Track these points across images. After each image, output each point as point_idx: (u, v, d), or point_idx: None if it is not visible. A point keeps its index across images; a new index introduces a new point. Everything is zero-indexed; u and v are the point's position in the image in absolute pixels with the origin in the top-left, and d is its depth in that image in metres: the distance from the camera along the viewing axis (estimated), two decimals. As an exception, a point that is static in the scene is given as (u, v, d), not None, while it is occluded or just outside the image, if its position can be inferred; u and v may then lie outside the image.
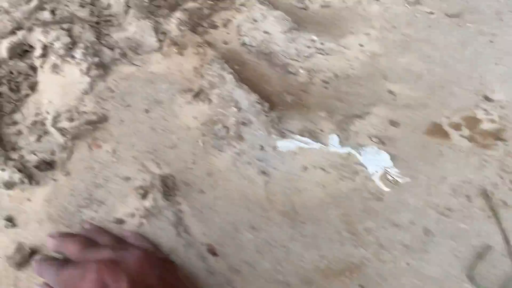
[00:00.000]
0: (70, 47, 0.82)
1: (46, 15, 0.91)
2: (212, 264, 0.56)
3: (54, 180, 0.64)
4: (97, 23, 0.90)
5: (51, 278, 0.49)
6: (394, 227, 0.62)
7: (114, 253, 0.46)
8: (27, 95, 0.79)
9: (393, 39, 0.97)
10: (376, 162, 0.69)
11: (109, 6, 0.95)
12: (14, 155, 0.67)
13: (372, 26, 1.01)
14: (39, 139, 0.70)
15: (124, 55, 0.87)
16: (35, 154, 0.67)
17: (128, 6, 0.92)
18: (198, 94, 0.80)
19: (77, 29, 0.86)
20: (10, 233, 0.58)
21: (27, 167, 0.65)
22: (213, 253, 0.57)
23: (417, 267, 0.58)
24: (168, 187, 0.64)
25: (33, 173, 0.65)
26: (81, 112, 0.75)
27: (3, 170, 0.63)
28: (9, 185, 0.62)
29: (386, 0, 1.09)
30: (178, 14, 0.91)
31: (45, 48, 0.83)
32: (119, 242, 0.53)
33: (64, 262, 0.50)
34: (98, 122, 0.74)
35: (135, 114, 0.76)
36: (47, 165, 0.65)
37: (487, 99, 0.83)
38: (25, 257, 0.54)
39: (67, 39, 0.83)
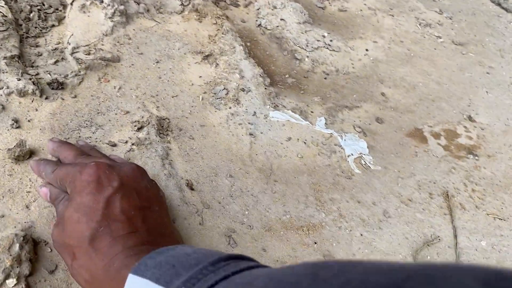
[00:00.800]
0: (101, -8, 0.89)
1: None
2: (187, 196, 0.62)
3: (62, 99, 0.70)
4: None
5: (48, 173, 0.51)
6: (357, 203, 0.68)
7: (109, 161, 0.49)
8: (53, 26, 0.85)
9: (397, 51, 1.03)
10: (354, 147, 0.75)
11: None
12: (31, 71, 0.73)
13: (381, 36, 1.07)
14: (56, 62, 0.76)
15: (147, 10, 0.93)
16: (50, 74, 0.73)
17: (161, -32, 0.99)
18: (207, 57, 0.86)
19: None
20: (14, 132, 0.64)
21: (40, 83, 0.71)
22: (191, 187, 0.63)
23: (369, 239, 0.64)
24: (163, 127, 0.70)
25: (44, 89, 0.71)
26: (98, 49, 0.81)
27: (18, 79, 0.69)
28: (22, 93, 0.68)
29: (400, 17, 1.16)
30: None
31: (78, -12, 0.89)
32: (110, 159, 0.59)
33: (60, 162, 0.55)
34: (111, 60, 0.80)
35: (146, 62, 0.82)
36: (59, 84, 0.71)
37: (470, 119, 0.90)
38: (24, 153, 0.60)
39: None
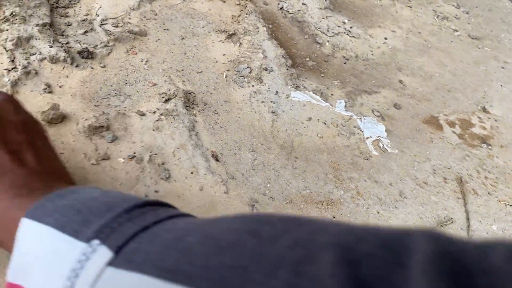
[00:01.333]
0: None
1: None
2: (212, 165, 0.64)
3: (92, 68, 0.72)
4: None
5: None
6: (374, 183, 0.70)
7: None
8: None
9: (415, 41, 1.05)
10: (372, 130, 0.77)
11: None
12: (62, 40, 0.75)
13: (400, 26, 1.09)
14: (85, 33, 0.78)
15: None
16: (79, 43, 0.75)
17: None
18: (231, 36, 0.88)
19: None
20: (47, 97, 0.66)
21: (71, 51, 0.73)
22: (216, 158, 0.65)
23: (385, 217, 0.66)
24: (189, 100, 0.72)
25: (75, 57, 0.72)
26: (126, 23, 0.83)
27: (51, 46, 0.70)
28: (54, 59, 0.70)
29: (418, 9, 1.17)
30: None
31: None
32: None
33: None
34: (139, 34, 0.81)
35: (172, 37, 0.84)
36: (89, 54, 0.73)
37: (485, 110, 0.91)
38: (57, 116, 0.62)
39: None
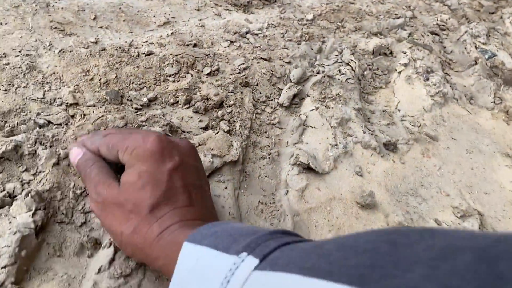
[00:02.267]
0: (428, 71, 0.95)
1: (405, 34, 1.06)
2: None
3: (393, 161, 0.77)
4: (447, 62, 1.03)
5: (96, 139, 0.50)
6: None
7: (166, 136, 0.46)
8: (380, 87, 0.94)
9: None
10: None
11: (452, 52, 1.07)
12: (370, 127, 0.81)
13: None
14: (388, 125, 0.84)
15: (460, 98, 0.97)
16: (383, 134, 0.81)
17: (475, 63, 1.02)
18: (520, 164, 0.86)
19: (434, 57, 0.99)
20: (358, 180, 0.72)
21: (379, 141, 0.79)
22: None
23: None
24: (482, 223, 0.72)
25: (381, 147, 0.78)
26: (423, 124, 0.87)
27: (364, 132, 0.77)
28: (366, 145, 0.76)
29: None
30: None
31: (408, 60, 0.97)
32: None
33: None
34: (432, 138, 0.85)
35: (459, 149, 0.85)
36: (392, 146, 0.78)
37: None
38: (371, 203, 0.67)
39: (428, 63, 0.96)
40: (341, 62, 0.88)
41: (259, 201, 0.63)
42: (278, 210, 0.63)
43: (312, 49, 0.93)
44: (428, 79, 0.93)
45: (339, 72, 0.84)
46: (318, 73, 0.84)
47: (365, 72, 0.93)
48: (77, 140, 0.54)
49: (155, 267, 0.39)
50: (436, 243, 0.22)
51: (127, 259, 0.50)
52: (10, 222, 0.49)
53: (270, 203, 0.64)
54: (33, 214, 0.49)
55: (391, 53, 1.01)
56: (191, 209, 0.42)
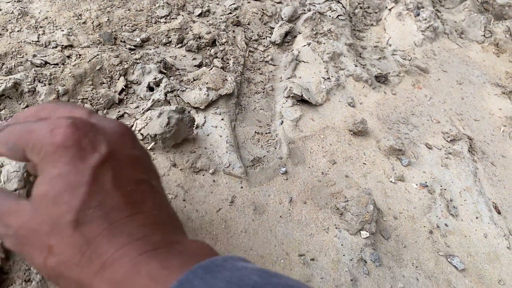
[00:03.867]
0: (419, 7, 0.96)
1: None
2: (495, 217, 0.65)
3: (384, 93, 0.79)
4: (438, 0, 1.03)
5: None
6: None
7: (90, 115, 0.33)
8: (371, 25, 0.95)
9: None
10: None
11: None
12: (361, 61, 0.83)
13: None
14: (379, 59, 0.85)
15: (450, 33, 0.98)
16: (375, 68, 0.82)
17: (476, -3, 1.03)
18: (509, 93, 0.88)
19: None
20: (350, 110, 0.74)
21: (370, 73, 0.80)
22: (498, 211, 0.66)
23: None
24: (471, 146, 0.75)
25: (372, 79, 0.80)
26: (413, 58, 0.88)
27: (356, 66, 0.79)
28: (358, 78, 0.78)
29: None
30: (508, 23, 0.99)
31: (398, -3, 0.98)
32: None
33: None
34: (423, 70, 0.86)
35: (449, 80, 0.87)
36: (385, 79, 0.80)
37: None
38: (363, 130, 0.69)
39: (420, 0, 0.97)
40: (331, 0, 0.88)
41: (255, 132, 0.65)
42: (274, 139, 0.65)
43: (302, -12, 0.93)
44: (418, 14, 0.94)
45: (330, 9, 0.85)
46: (309, 10, 0.84)
47: (356, 10, 0.94)
48: None
49: None
50: None
51: (131, 183, 0.52)
52: (16, 153, 0.51)
53: (266, 133, 0.66)
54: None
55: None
56: (138, 218, 0.29)
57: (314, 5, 0.88)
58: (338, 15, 0.84)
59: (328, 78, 0.73)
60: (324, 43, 0.78)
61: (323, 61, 0.75)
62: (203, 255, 0.28)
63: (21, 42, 0.65)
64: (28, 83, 0.58)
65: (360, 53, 0.83)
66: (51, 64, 0.63)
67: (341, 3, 0.89)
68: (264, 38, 0.80)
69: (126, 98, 0.64)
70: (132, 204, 0.29)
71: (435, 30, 0.92)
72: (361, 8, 0.94)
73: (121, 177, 0.30)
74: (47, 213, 0.28)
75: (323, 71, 0.74)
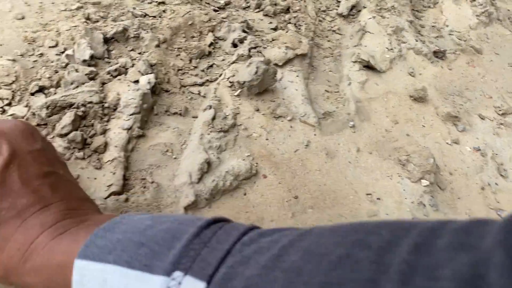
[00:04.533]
0: (476, -8, 1.01)
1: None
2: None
3: (442, 67, 0.85)
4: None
5: None
6: None
7: None
8: (429, 7, 1.00)
9: None
10: None
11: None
12: (421, 38, 0.89)
13: None
14: (436, 37, 0.91)
15: (503, 20, 1.02)
16: (433, 44, 0.88)
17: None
18: (559, 78, 0.92)
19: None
20: (410, 79, 0.80)
21: (429, 49, 0.87)
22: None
23: None
24: (521, 120, 0.80)
25: (431, 55, 0.86)
26: (468, 39, 0.94)
27: (416, 40, 0.85)
28: (418, 51, 0.84)
29: None
30: None
31: (456, -18, 1.03)
32: None
33: None
34: (477, 51, 0.92)
35: (502, 62, 0.92)
36: (441, 54, 0.86)
37: None
38: (422, 96, 0.76)
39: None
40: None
41: (325, 90, 0.72)
42: (342, 97, 0.72)
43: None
44: (474, 0, 0.99)
45: (393, -13, 0.91)
46: (372, -12, 0.91)
47: None
48: None
49: None
50: (418, 241, 0.19)
51: (225, 119, 0.60)
52: (128, 85, 0.59)
53: (335, 91, 0.73)
54: (147, 78, 0.59)
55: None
56: (49, 210, 0.31)
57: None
58: (400, -6, 0.90)
59: (391, 49, 0.80)
60: (387, 18, 0.84)
61: (387, 34, 0.81)
62: (107, 221, 0.30)
63: (122, -4, 0.74)
64: (134, 30, 0.66)
65: (419, 31, 0.89)
66: (150, 16, 0.71)
67: (402, -16, 0.94)
68: (331, 10, 0.86)
69: (213, 51, 0.71)
70: (42, 197, 0.31)
71: (490, 16, 0.97)
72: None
73: (27, 174, 0.31)
74: None
75: (386, 42, 0.80)
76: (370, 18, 0.82)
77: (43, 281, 0.28)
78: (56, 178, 0.34)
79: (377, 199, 0.59)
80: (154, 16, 0.70)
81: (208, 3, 0.78)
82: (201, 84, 0.65)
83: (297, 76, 0.70)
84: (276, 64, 0.70)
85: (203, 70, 0.67)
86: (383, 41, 0.81)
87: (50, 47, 0.62)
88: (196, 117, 0.61)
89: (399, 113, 0.72)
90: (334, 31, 0.83)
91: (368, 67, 0.76)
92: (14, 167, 0.31)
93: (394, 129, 0.69)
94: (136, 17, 0.70)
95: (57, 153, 0.38)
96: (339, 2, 0.87)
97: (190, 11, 0.72)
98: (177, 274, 0.23)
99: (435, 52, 0.84)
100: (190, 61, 0.68)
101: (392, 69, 0.78)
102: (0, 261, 0.29)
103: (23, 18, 0.65)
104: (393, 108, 0.72)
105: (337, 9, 0.86)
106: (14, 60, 0.56)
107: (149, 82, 0.58)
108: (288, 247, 0.22)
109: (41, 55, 0.60)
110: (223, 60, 0.70)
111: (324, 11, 0.85)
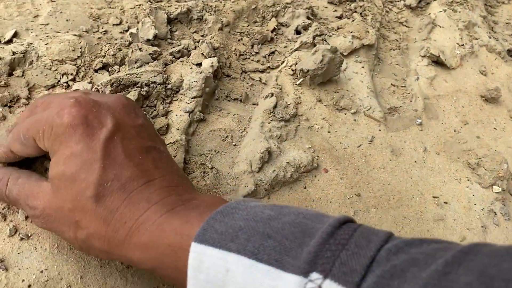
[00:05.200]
0: (557, -12, 0.93)
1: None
2: None
3: (516, 67, 0.79)
4: None
5: (2, 135, 0.38)
6: None
7: (88, 94, 0.34)
8: (503, 2, 0.94)
9: None
10: None
11: None
12: (494, 35, 0.83)
13: None
14: (511, 35, 0.85)
15: None
16: (507, 42, 0.82)
17: None
18: None
19: None
20: (482, 78, 0.75)
21: (503, 48, 0.81)
22: None
23: None
24: None
25: (505, 54, 0.80)
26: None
27: (489, 37, 0.79)
28: (491, 49, 0.78)
29: None
30: None
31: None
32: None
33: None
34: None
35: None
36: (517, 54, 0.80)
37: None
38: (495, 96, 0.70)
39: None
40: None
41: (391, 84, 0.69)
42: (409, 93, 0.68)
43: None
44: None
45: (467, -20, 0.85)
46: (445, -21, 0.85)
47: None
48: None
49: (138, 266, 0.30)
50: None
51: (286, 108, 0.58)
52: (191, 68, 0.58)
53: (401, 86, 0.69)
54: (210, 61, 0.57)
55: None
56: (153, 184, 0.31)
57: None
58: (474, -13, 0.84)
59: (463, 45, 0.75)
60: (459, 11, 0.79)
61: (458, 29, 0.76)
62: (217, 204, 0.29)
63: (185, -23, 0.72)
64: (197, 11, 0.65)
65: (492, 27, 0.83)
66: (213, -1, 0.69)
67: (476, -24, 0.89)
68: (398, 1, 0.82)
69: (276, 37, 0.69)
70: (146, 171, 0.31)
71: None
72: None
73: (130, 147, 0.31)
74: (68, 191, 0.29)
75: (457, 37, 0.75)
76: (440, 11, 0.77)
77: (150, 259, 0.28)
78: (158, 153, 0.33)
79: (444, 203, 0.56)
80: (217, -1, 0.69)
81: (272, -12, 0.75)
82: (262, 71, 0.63)
83: (363, 67, 0.67)
84: (341, 54, 0.67)
85: (264, 56, 0.65)
86: (454, 36, 0.76)
87: (114, 24, 0.61)
88: (257, 104, 0.58)
89: (469, 113, 0.67)
90: (401, 23, 0.78)
91: (437, 62, 0.71)
92: (118, 139, 0.31)
93: (463, 130, 0.65)
94: (201, -2, 0.68)
95: (156, 130, 0.38)
96: (408, -8, 0.82)
97: (254, -6, 0.70)
98: (315, 276, 0.21)
99: (509, 51, 0.79)
100: (252, 46, 0.65)
101: (463, 66, 0.73)
102: (105, 234, 0.29)
103: (89, -6, 0.65)
104: (463, 108, 0.68)
105: (404, 0, 0.81)
106: (80, 36, 0.56)
107: (211, 66, 0.56)
108: (455, 265, 0.20)
109: (105, 32, 0.60)
110: (285, 47, 0.68)
111: (391, 1, 0.81)
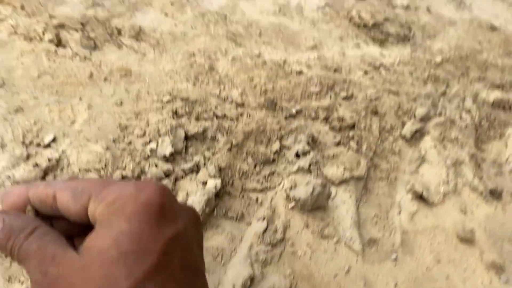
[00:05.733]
0: (545, 132, 1.01)
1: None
2: None
3: (495, 208, 0.86)
4: None
5: (59, 182, 0.31)
6: None
7: (170, 190, 0.33)
8: (494, 138, 1.02)
9: None
10: None
11: None
12: (479, 173, 0.91)
13: None
14: (496, 174, 0.92)
15: None
16: (490, 182, 0.90)
17: None
18: None
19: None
20: (461, 217, 0.82)
21: (486, 187, 0.88)
22: None
23: None
24: None
25: (487, 193, 0.87)
26: (529, 180, 0.94)
27: (474, 176, 0.87)
28: (473, 188, 0.86)
29: None
30: None
31: (526, 118, 1.04)
32: None
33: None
34: (537, 195, 0.92)
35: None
36: (497, 194, 0.87)
37: None
38: (470, 239, 0.77)
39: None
40: (462, 108, 0.97)
41: (375, 214, 0.76)
42: (390, 225, 0.75)
43: (437, 91, 1.03)
44: (543, 140, 1.00)
45: (460, 118, 0.94)
46: (440, 114, 0.95)
47: (483, 122, 1.02)
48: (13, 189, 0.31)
49: None
50: None
51: (275, 233, 0.66)
52: (197, 185, 0.67)
53: (384, 217, 0.76)
54: (214, 182, 0.67)
55: (510, 108, 1.09)
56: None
57: (445, 109, 0.98)
58: (467, 125, 0.93)
59: (447, 182, 0.82)
60: (449, 148, 0.87)
61: (445, 165, 0.84)
62: None
63: (207, 93, 0.83)
64: (212, 131, 0.75)
65: (479, 164, 0.91)
66: (229, 118, 0.79)
67: (471, 113, 0.98)
68: (395, 130, 0.91)
69: (277, 158, 0.78)
70: None
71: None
72: (487, 120, 1.02)
73: (187, 260, 0.28)
74: (101, 272, 0.25)
75: (444, 174, 0.83)
76: (431, 147, 0.86)
77: None
78: (202, 276, 0.31)
79: None
80: (232, 119, 0.79)
81: (282, 109, 0.86)
82: (260, 190, 0.71)
83: (350, 197, 0.75)
84: (332, 182, 0.75)
85: (264, 177, 0.74)
86: (440, 172, 0.84)
87: (138, 136, 0.71)
88: (250, 223, 0.66)
89: (444, 251, 0.74)
90: (394, 152, 0.87)
91: (421, 197, 0.79)
92: (180, 244, 0.28)
93: (435, 268, 0.71)
94: (217, 117, 0.78)
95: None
96: (404, 123, 0.92)
97: (264, 118, 0.80)
98: None
99: (491, 191, 0.86)
100: (255, 166, 0.74)
101: (444, 203, 0.81)
102: None
103: (121, 104, 0.76)
104: (438, 245, 0.74)
105: (401, 130, 0.91)
106: (107, 148, 0.66)
107: (215, 187, 0.65)
108: None
109: (130, 143, 0.70)
110: (285, 168, 0.76)
111: (388, 131, 0.90)
